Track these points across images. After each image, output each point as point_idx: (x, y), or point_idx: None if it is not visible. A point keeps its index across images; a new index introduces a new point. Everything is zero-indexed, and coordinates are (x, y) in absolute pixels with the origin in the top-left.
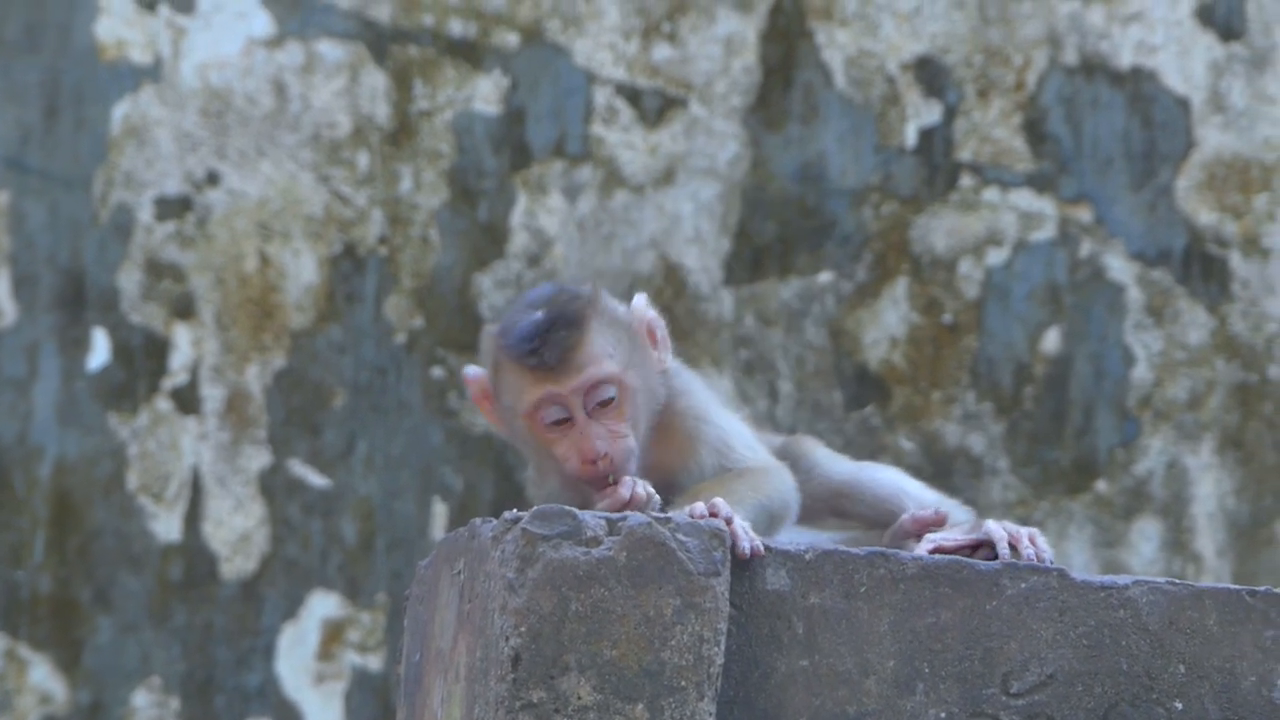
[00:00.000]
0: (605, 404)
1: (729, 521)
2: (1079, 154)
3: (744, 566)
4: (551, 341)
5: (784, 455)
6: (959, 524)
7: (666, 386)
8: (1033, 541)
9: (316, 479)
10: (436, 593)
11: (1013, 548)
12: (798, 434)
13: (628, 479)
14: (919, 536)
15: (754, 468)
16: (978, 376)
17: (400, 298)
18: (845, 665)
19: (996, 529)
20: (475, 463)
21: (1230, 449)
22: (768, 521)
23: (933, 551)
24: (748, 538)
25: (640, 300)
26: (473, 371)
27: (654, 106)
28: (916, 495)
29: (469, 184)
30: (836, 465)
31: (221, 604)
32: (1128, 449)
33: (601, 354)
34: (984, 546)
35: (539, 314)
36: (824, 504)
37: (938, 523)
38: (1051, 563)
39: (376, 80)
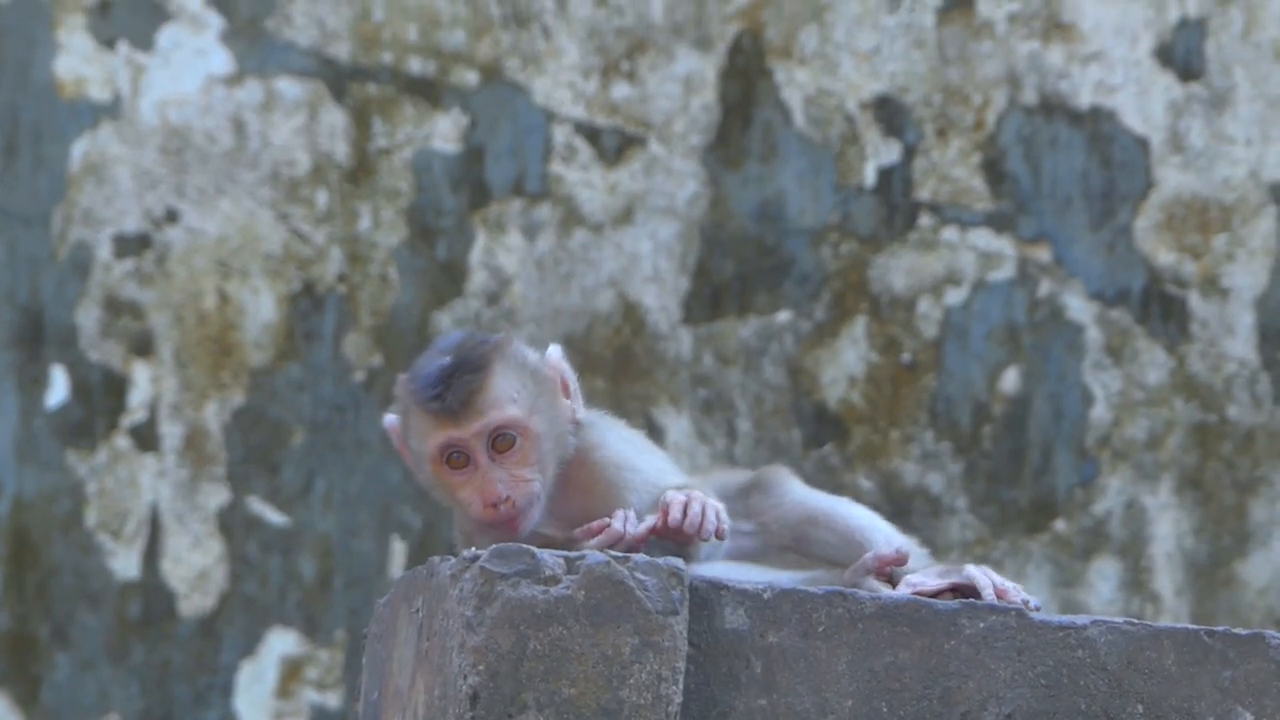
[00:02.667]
0: (507, 448)
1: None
2: (1038, 193)
3: (703, 605)
4: (455, 386)
5: (755, 482)
6: (928, 568)
7: (580, 437)
8: (1018, 592)
9: (275, 516)
10: (395, 631)
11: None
12: (774, 466)
13: (620, 512)
14: (881, 573)
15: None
16: (936, 416)
17: (359, 336)
18: (803, 704)
19: (980, 574)
20: (434, 501)
21: (1189, 489)
22: (703, 552)
23: (914, 594)
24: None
25: (554, 350)
26: (390, 419)
27: (613, 145)
28: (889, 535)
29: (428, 222)
30: (812, 495)
31: (180, 641)
32: (1086, 489)
33: (504, 398)
34: (962, 590)
35: (445, 360)
36: (791, 531)
37: (899, 561)
38: (1037, 608)
39: (335, 118)
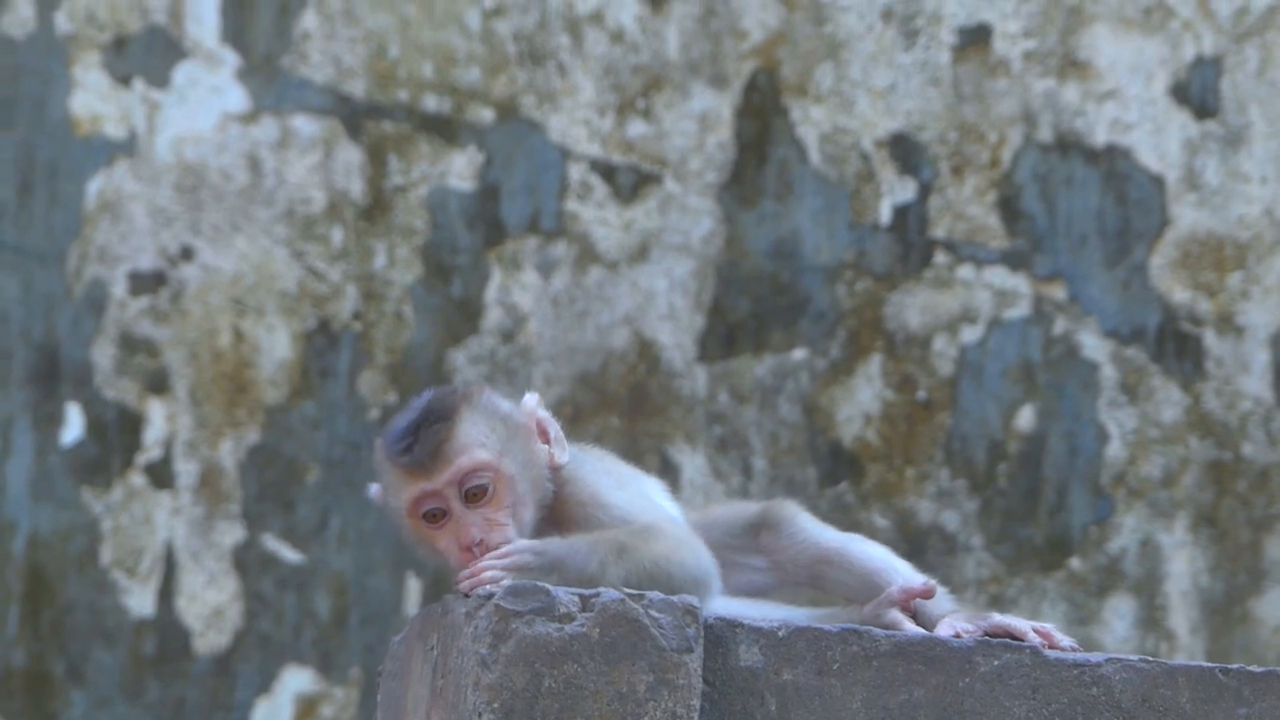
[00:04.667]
0: (479, 494)
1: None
2: (1053, 231)
3: (718, 643)
4: (422, 438)
5: (764, 519)
6: (956, 613)
7: (559, 479)
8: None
9: (290, 554)
10: (409, 668)
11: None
12: (782, 499)
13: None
14: (905, 607)
15: (651, 528)
16: (952, 454)
17: (374, 373)
18: None
19: (1014, 621)
20: None
21: (1204, 526)
22: (650, 584)
23: (955, 636)
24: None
25: (530, 398)
26: (373, 488)
27: (628, 183)
28: (906, 573)
29: (443, 260)
30: (825, 532)
31: (195, 679)
32: (1101, 526)
33: (472, 444)
34: (996, 637)
35: (413, 414)
36: (805, 570)
37: (927, 594)
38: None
39: (351, 156)
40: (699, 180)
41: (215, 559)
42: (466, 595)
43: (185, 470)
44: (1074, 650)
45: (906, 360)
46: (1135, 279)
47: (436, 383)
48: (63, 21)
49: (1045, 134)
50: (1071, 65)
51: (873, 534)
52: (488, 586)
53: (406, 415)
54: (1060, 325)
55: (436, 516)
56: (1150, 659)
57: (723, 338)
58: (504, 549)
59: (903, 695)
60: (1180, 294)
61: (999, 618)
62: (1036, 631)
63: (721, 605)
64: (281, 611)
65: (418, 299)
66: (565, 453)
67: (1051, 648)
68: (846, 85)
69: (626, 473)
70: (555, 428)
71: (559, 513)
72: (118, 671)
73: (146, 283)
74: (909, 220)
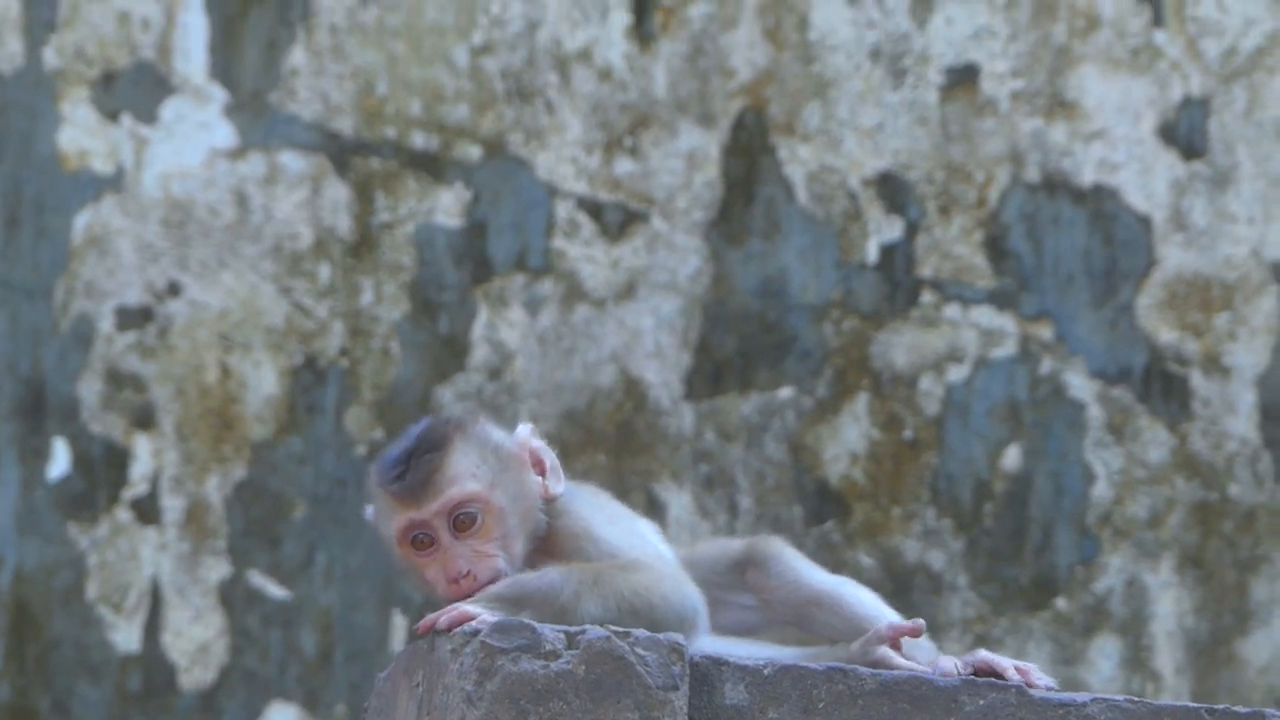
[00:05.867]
0: (467, 524)
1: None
2: (1040, 271)
3: (703, 681)
4: (414, 467)
5: (751, 553)
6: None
7: (553, 511)
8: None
9: (276, 590)
10: (395, 705)
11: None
12: (768, 535)
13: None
14: (894, 644)
15: (636, 561)
16: (937, 493)
17: (361, 410)
18: None
19: (998, 658)
20: None
21: (1190, 567)
22: (629, 616)
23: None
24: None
25: (523, 429)
26: (369, 510)
27: (615, 220)
28: (895, 619)
29: (430, 296)
30: (815, 574)
31: (180, 714)
32: (1087, 566)
33: (463, 474)
34: (981, 674)
35: (407, 443)
36: (794, 610)
37: (915, 633)
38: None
39: (338, 192)
40: (686, 218)
41: (201, 594)
42: (442, 632)
43: (171, 506)
44: (1051, 690)
45: (893, 399)
46: (1122, 319)
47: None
48: (51, 57)
49: (1032, 174)
50: (1059, 105)
51: (858, 573)
52: (472, 624)
53: (401, 443)
54: (1047, 365)
55: (424, 545)
56: (1136, 699)
57: (709, 376)
58: (473, 597)
59: None
60: (1167, 334)
61: (984, 654)
62: (1017, 669)
63: (708, 643)
64: (267, 647)
65: (404, 335)
66: (561, 483)
67: (1029, 686)
68: (834, 124)
69: (620, 510)
70: (551, 458)
71: (551, 545)
72: (103, 707)
73: (133, 318)
74: (896, 259)
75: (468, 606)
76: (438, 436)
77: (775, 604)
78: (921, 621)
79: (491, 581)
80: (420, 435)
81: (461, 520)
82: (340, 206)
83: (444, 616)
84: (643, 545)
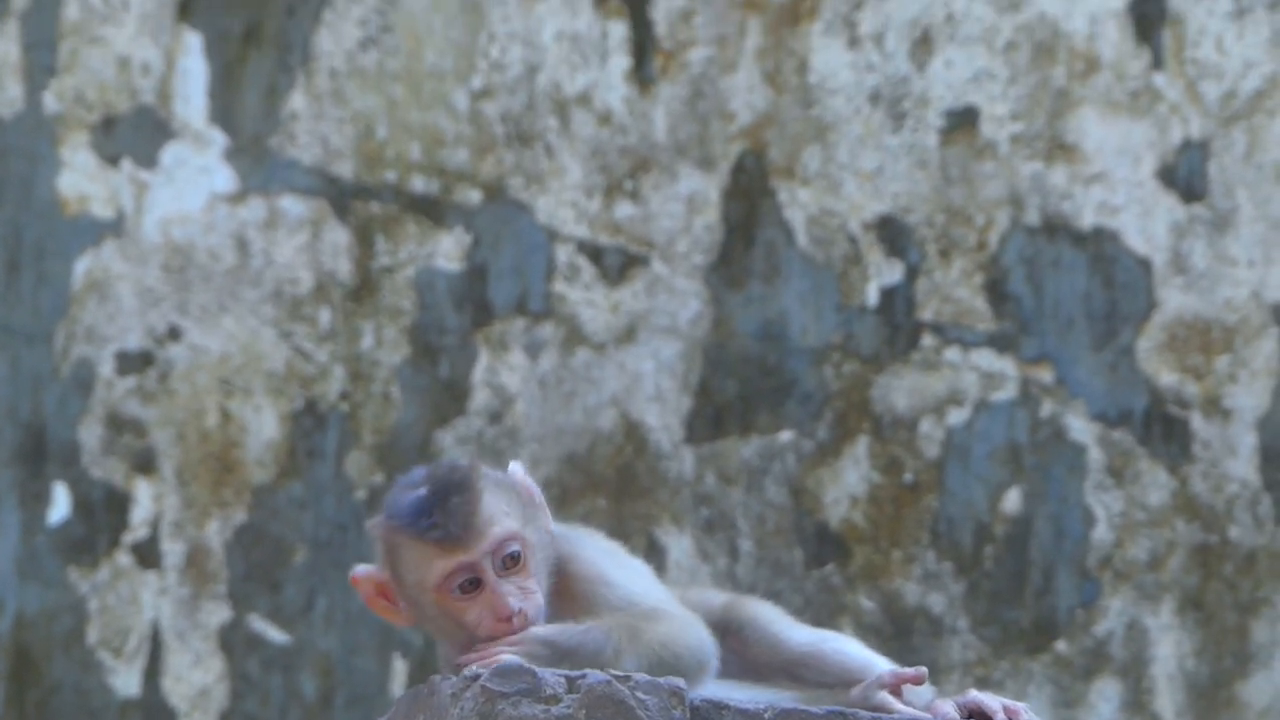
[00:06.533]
0: (512, 562)
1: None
2: (1040, 314)
3: None
4: (450, 511)
5: (727, 618)
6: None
7: (556, 549)
8: (1027, 715)
9: (276, 635)
10: None
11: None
12: (742, 596)
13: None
14: (895, 690)
15: (658, 610)
16: (938, 536)
17: (361, 454)
18: None
19: (986, 697)
20: None
21: (1190, 610)
22: (659, 667)
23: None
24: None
25: (516, 466)
26: (362, 570)
27: (616, 264)
28: (886, 666)
29: (430, 341)
30: (794, 633)
31: None
32: (1088, 609)
33: (499, 513)
34: (973, 714)
35: (424, 490)
36: (779, 671)
37: (918, 680)
38: None
39: (338, 236)
40: (686, 262)
41: (201, 639)
42: (475, 664)
43: (172, 550)
44: None
45: (893, 442)
46: (1122, 362)
47: (424, 463)
48: (51, 101)
49: (1032, 216)
50: (1059, 148)
51: (859, 616)
52: (473, 668)
53: (414, 493)
54: (1047, 408)
55: (468, 589)
56: None
57: (710, 419)
58: (517, 637)
59: None
60: (1167, 377)
61: (975, 694)
62: (1006, 709)
63: (710, 687)
64: (267, 692)
65: (405, 380)
66: (549, 519)
67: None
68: (834, 167)
69: (623, 553)
70: (539, 494)
71: (564, 588)
72: None
73: (134, 362)
74: (896, 302)
75: (509, 655)
76: (459, 480)
77: (758, 666)
78: (924, 669)
79: (538, 618)
80: (440, 481)
81: (508, 559)
82: (340, 251)
83: (488, 658)
84: (654, 591)
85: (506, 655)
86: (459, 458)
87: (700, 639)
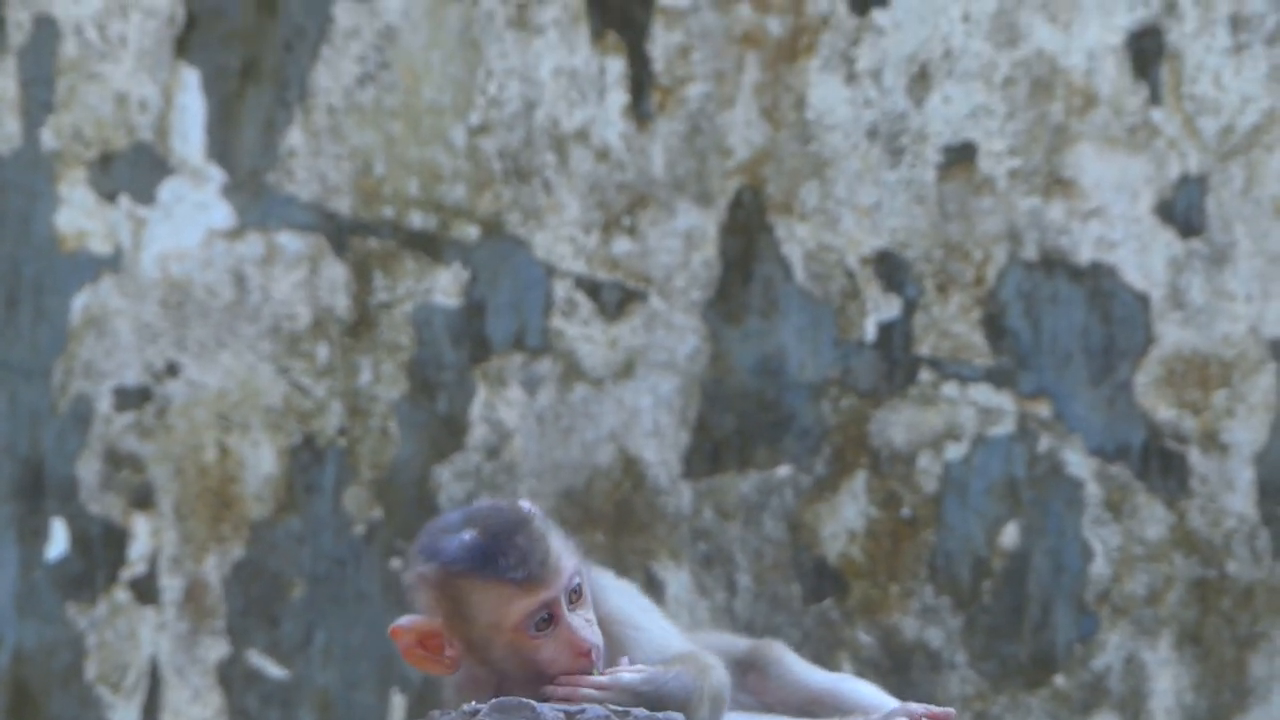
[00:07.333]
0: (577, 596)
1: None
2: (1038, 349)
3: None
4: (523, 550)
5: (751, 659)
6: None
7: None
8: None
9: (275, 670)
10: None
11: None
12: (766, 639)
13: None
14: None
15: (693, 655)
16: (936, 571)
17: (359, 489)
18: None
19: None
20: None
21: (1189, 644)
22: (712, 710)
23: None
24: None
25: (524, 504)
26: (406, 621)
27: (613, 300)
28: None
29: (428, 376)
30: (813, 675)
31: None
32: (1086, 644)
33: (563, 549)
34: None
35: (476, 533)
36: (795, 710)
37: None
38: None
39: (336, 272)
40: (684, 297)
41: (200, 674)
42: (560, 701)
43: (170, 585)
44: None
45: (891, 477)
46: (1120, 397)
47: (421, 499)
48: (48, 138)
49: (1030, 252)
50: (1056, 183)
51: (856, 651)
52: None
53: (464, 537)
54: (1044, 443)
55: (542, 626)
56: None
57: (708, 454)
58: (605, 681)
59: None
60: (1165, 412)
61: None
62: None
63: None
64: None
65: (403, 415)
66: None
67: None
68: (831, 203)
69: (636, 592)
70: None
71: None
72: None
73: (132, 398)
74: (894, 337)
75: (600, 698)
76: (517, 520)
77: (776, 705)
78: (952, 711)
79: (603, 649)
80: (496, 522)
81: (573, 593)
82: (338, 286)
83: (575, 700)
84: (674, 634)
85: (593, 695)
86: (496, 500)
87: (724, 679)
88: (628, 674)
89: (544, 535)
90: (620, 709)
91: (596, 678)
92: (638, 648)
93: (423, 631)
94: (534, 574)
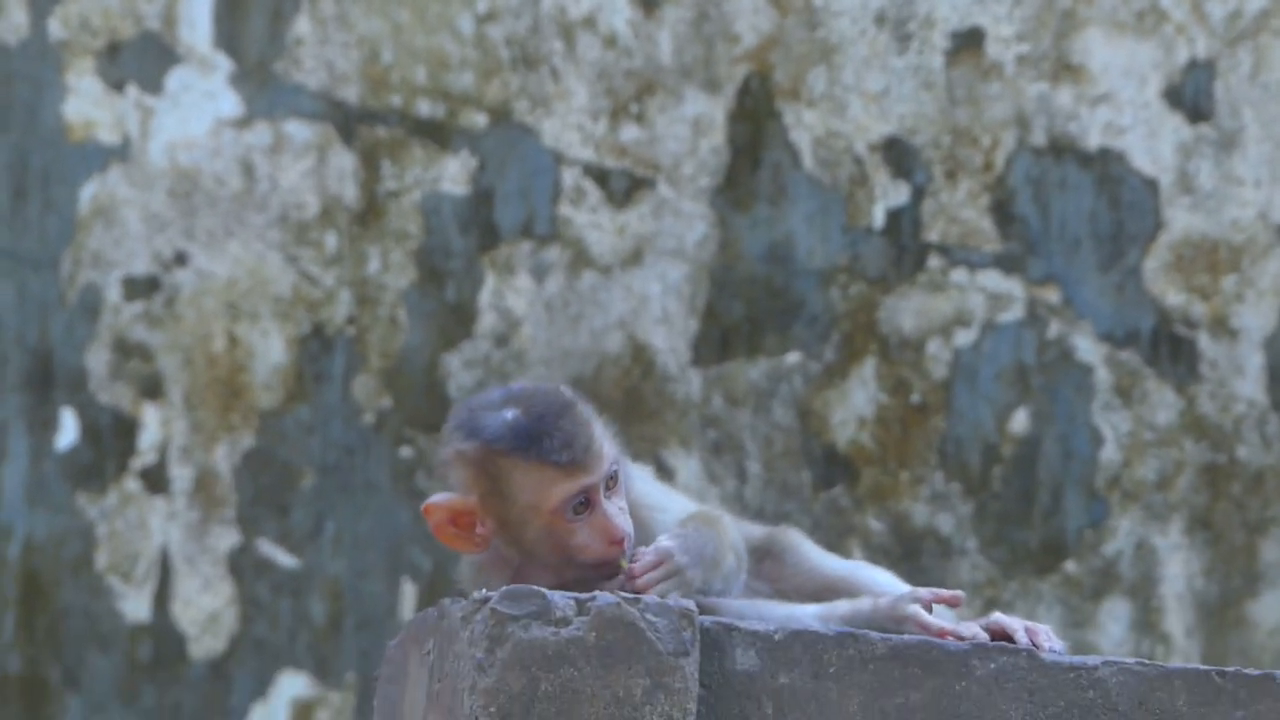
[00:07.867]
0: (613, 483)
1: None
2: (1047, 235)
3: (714, 646)
4: (568, 434)
5: (767, 546)
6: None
7: None
8: (1048, 636)
9: (285, 559)
10: (406, 673)
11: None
12: (781, 526)
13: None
14: (927, 608)
15: (711, 515)
16: (946, 457)
17: (368, 378)
18: None
19: (1010, 620)
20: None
21: (1199, 529)
22: (736, 562)
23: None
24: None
25: (566, 389)
26: (441, 498)
27: (622, 187)
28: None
29: (437, 264)
30: (829, 560)
31: (190, 684)
32: (1096, 530)
33: (603, 435)
34: (994, 635)
35: (520, 413)
36: (810, 596)
37: (954, 602)
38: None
39: (344, 161)
40: (692, 184)
41: (210, 564)
42: (637, 593)
43: (180, 475)
44: (1061, 653)
45: (900, 364)
46: (1129, 282)
47: (430, 387)
48: (56, 28)
49: (1039, 138)
50: (1065, 69)
51: (867, 537)
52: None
53: (508, 415)
54: (1054, 328)
55: (580, 510)
56: (1146, 662)
57: (716, 342)
58: (663, 571)
59: (899, 699)
60: (1174, 297)
61: (998, 616)
62: (1028, 631)
63: (732, 604)
64: (277, 616)
65: (411, 304)
66: None
67: (1038, 649)
68: (839, 89)
69: (650, 474)
70: None
71: None
72: (113, 677)
73: (140, 288)
74: (902, 224)
75: (665, 583)
76: (563, 404)
77: (790, 592)
78: (961, 594)
79: (634, 538)
80: (541, 404)
81: (609, 480)
82: (346, 175)
83: (649, 574)
84: (694, 508)
85: (665, 599)
86: (538, 382)
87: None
88: (666, 543)
89: (588, 421)
90: (631, 596)
91: (650, 561)
92: (663, 528)
93: (456, 509)
94: (577, 458)
